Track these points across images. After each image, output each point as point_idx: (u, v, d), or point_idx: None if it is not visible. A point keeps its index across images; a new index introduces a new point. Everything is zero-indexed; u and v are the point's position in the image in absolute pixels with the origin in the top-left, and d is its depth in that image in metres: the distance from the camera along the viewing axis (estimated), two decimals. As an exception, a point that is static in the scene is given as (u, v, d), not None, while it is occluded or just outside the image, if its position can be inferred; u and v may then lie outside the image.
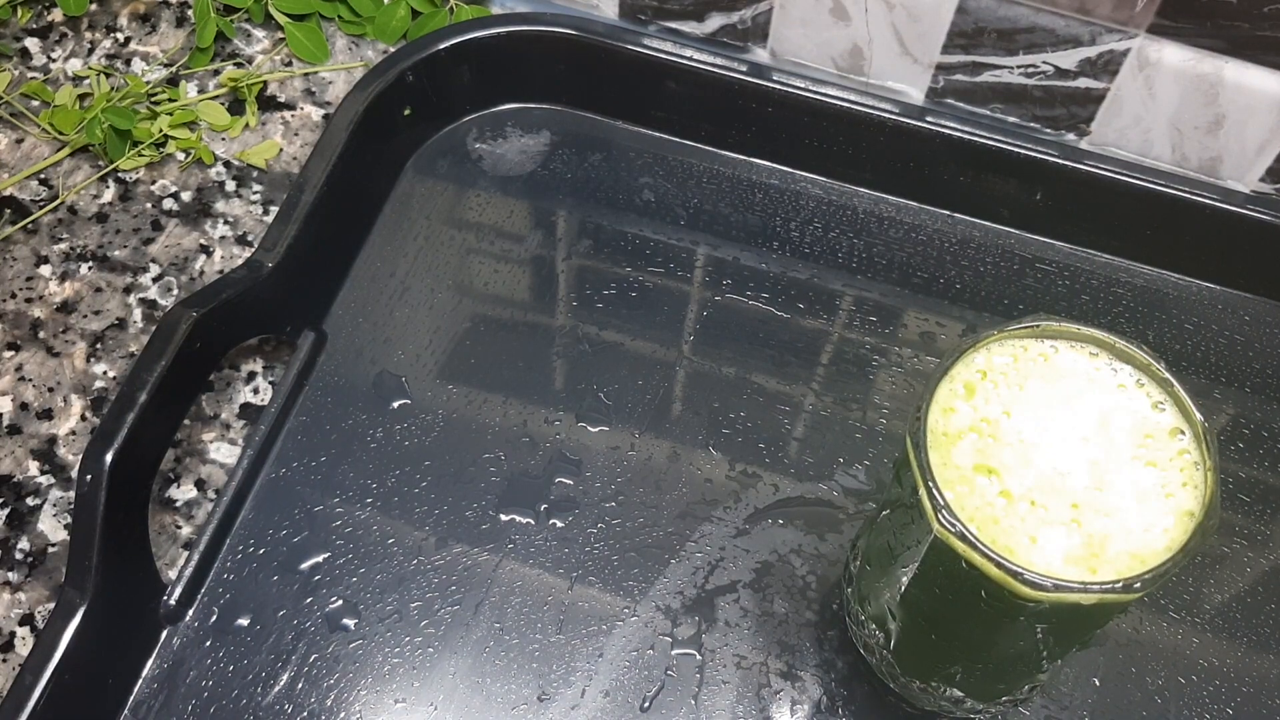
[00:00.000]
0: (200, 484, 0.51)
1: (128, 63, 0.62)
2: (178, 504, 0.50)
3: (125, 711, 0.45)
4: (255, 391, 0.53)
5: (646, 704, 0.46)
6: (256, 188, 0.58)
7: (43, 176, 0.58)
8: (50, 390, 0.52)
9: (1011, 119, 0.59)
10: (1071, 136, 0.59)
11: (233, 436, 0.52)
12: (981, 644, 0.39)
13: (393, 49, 0.62)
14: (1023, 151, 0.55)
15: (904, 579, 0.39)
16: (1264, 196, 0.57)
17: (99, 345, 0.54)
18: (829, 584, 0.49)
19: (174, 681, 0.46)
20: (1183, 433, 0.36)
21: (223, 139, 0.60)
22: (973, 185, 0.57)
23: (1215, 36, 0.52)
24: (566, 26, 0.58)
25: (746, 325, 0.55)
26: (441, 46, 0.58)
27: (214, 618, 0.47)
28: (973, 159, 0.56)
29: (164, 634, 0.47)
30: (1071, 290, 0.57)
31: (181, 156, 0.59)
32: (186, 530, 0.50)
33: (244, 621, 0.47)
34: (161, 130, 0.59)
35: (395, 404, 0.52)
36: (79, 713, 0.43)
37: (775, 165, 0.60)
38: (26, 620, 0.47)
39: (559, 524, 0.50)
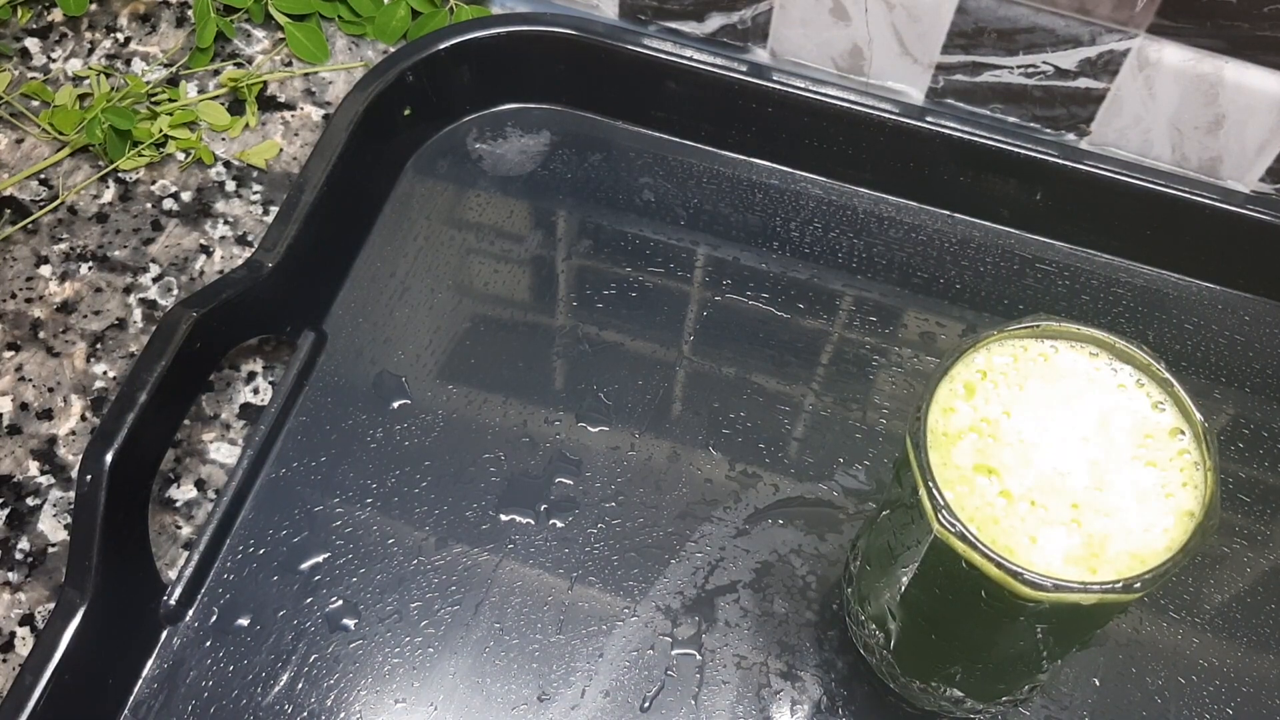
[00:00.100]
0: (200, 484, 0.51)
1: (128, 63, 0.62)
2: (178, 504, 0.50)
3: (125, 711, 0.45)
4: (255, 391, 0.53)
5: (646, 704, 0.46)
6: (256, 188, 0.58)
7: (43, 176, 0.58)
8: (50, 390, 0.52)
9: (1011, 119, 0.59)
10: (1071, 136, 0.59)
11: (233, 436, 0.52)
12: (981, 644, 0.39)
13: (393, 49, 0.62)
14: (1023, 151, 0.55)
15: (904, 579, 0.39)
16: (1264, 196, 0.57)
17: (99, 345, 0.54)
18: (829, 584, 0.49)
19: (174, 681, 0.46)
20: (1183, 433, 0.36)
21: (223, 139, 0.60)
22: (973, 185, 0.57)
23: (1215, 36, 0.52)
24: (566, 26, 0.58)
25: (746, 325, 0.55)
26: (441, 46, 0.58)
27: (214, 618, 0.47)
28: (973, 159, 0.56)
29: (164, 634, 0.47)
30: (1071, 290, 0.57)
31: (181, 156, 0.59)
32: (186, 530, 0.50)
33: (244, 621, 0.47)
34: (161, 130, 0.59)
35: (395, 404, 0.52)
36: (79, 713, 0.43)
37: (775, 165, 0.60)
38: (26, 620, 0.47)
39: (559, 524, 0.50)
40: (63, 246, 0.56)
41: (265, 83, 0.61)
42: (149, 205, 0.58)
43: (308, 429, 0.52)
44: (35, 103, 0.60)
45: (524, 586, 0.48)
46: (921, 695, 0.43)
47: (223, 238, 0.57)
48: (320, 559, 0.49)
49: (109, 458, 0.44)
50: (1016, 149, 0.55)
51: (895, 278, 0.57)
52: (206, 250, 0.56)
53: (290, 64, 0.62)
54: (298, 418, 0.52)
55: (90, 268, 0.56)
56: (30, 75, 0.62)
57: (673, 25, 0.61)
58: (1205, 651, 0.48)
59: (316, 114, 0.61)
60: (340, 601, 0.48)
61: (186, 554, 0.48)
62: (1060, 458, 0.36)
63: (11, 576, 0.48)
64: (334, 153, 0.54)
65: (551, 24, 0.59)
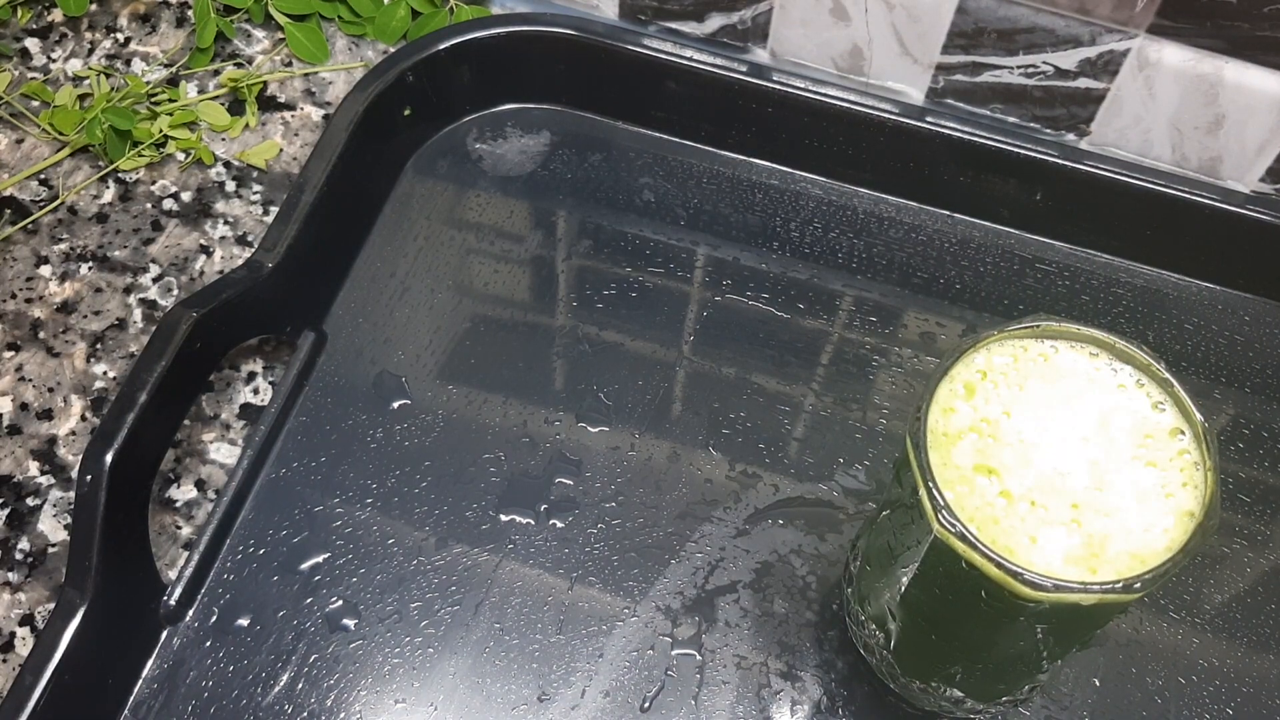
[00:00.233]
0: (200, 484, 0.51)
1: (128, 63, 0.62)
2: (178, 504, 0.50)
3: (125, 711, 0.45)
4: (255, 392, 0.53)
5: (646, 704, 0.46)
6: (256, 188, 0.58)
7: (43, 177, 0.58)
8: (50, 390, 0.52)
9: (1011, 119, 0.59)
10: (1071, 136, 0.59)
11: (233, 437, 0.52)
12: (981, 644, 0.39)
13: (393, 49, 0.62)
14: (1023, 151, 0.55)
15: (904, 579, 0.39)
16: (1264, 196, 0.57)
17: (99, 345, 0.54)
18: (829, 584, 0.49)
19: (174, 681, 0.46)
20: (1183, 433, 0.36)
21: (223, 139, 0.60)
22: (973, 185, 0.57)
23: (1215, 36, 0.52)
24: (566, 27, 0.58)
25: (746, 325, 0.55)
26: (441, 47, 0.58)
27: (214, 618, 0.47)
28: (973, 159, 0.56)
29: (164, 634, 0.47)
30: (1071, 290, 0.57)
31: (181, 157, 0.59)
32: (186, 530, 0.50)
33: (244, 621, 0.47)
34: (161, 130, 0.59)
35: (395, 404, 0.52)
36: (79, 713, 0.43)
37: (775, 165, 0.60)
38: (26, 620, 0.47)
39: (559, 524, 0.50)
40: (63, 246, 0.56)
41: (265, 83, 0.61)
42: (149, 205, 0.58)
43: (308, 429, 0.52)
44: (35, 103, 0.60)
45: (524, 587, 0.48)
46: (921, 695, 0.43)
47: (223, 238, 0.57)
48: (320, 559, 0.49)
49: (109, 458, 0.44)
50: (1016, 149, 0.55)
51: (895, 278, 0.57)
52: (206, 250, 0.56)
53: (290, 64, 0.62)
54: (298, 418, 0.52)
55: (90, 268, 0.56)
56: (30, 75, 0.62)
57: (673, 25, 0.61)
58: (1205, 651, 0.48)
59: (316, 114, 0.61)
60: (340, 602, 0.48)
61: (186, 554, 0.48)
62: (1060, 458, 0.36)
63: (11, 576, 0.48)
64: (334, 153, 0.54)
65: (551, 24, 0.59)
